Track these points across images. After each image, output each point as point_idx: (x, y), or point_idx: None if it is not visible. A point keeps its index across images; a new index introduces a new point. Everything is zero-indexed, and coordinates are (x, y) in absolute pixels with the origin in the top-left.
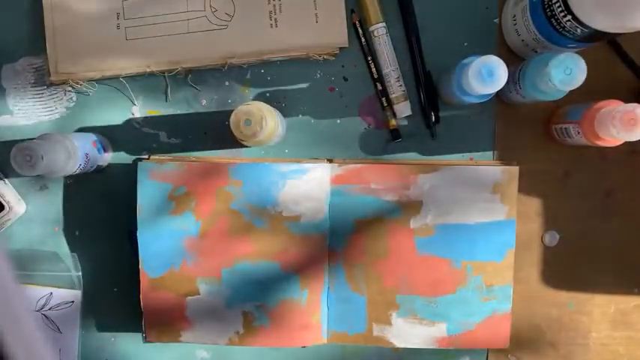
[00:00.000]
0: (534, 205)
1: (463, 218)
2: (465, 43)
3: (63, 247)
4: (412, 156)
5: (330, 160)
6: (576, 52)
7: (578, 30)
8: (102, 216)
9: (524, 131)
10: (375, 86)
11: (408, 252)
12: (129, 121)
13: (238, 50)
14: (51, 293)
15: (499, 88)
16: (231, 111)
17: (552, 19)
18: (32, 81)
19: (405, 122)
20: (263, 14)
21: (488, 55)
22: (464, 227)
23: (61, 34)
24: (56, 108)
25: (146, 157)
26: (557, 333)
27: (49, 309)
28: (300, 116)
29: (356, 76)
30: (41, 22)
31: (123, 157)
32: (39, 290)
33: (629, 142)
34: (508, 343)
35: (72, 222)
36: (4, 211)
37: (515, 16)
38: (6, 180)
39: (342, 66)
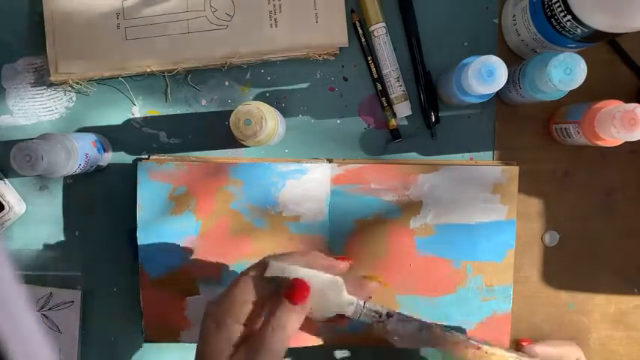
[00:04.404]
0: (534, 205)
1: (463, 218)
2: (465, 43)
3: (63, 247)
4: (412, 156)
5: (330, 160)
6: (576, 52)
7: (578, 30)
8: (102, 216)
9: (524, 131)
10: (375, 86)
11: (408, 252)
12: (129, 121)
13: (238, 50)
14: (51, 293)
15: (499, 88)
16: (231, 111)
17: (552, 19)
18: (32, 81)
19: (405, 122)
20: (263, 14)
21: (489, 55)
22: (464, 227)
23: (61, 34)
24: (56, 108)
25: (146, 157)
26: (557, 333)
27: (49, 309)
28: (300, 116)
29: (356, 76)
30: (41, 22)
31: (123, 157)
32: (39, 290)
33: (629, 142)
34: (508, 344)
35: (72, 222)
36: (4, 211)
37: (515, 16)
38: (6, 180)
39: (342, 66)
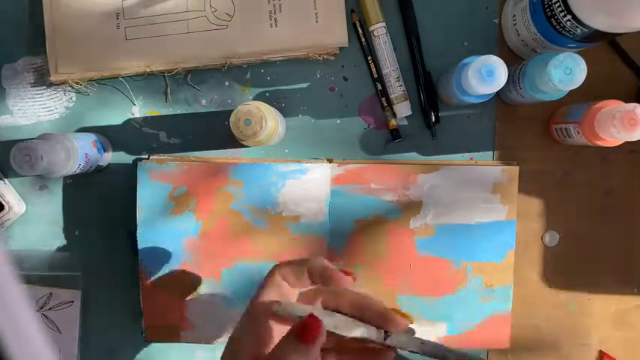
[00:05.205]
0: (534, 205)
1: (463, 218)
2: (465, 43)
3: (63, 247)
4: (412, 156)
5: (330, 160)
6: (576, 52)
7: (578, 30)
8: (102, 216)
9: (524, 131)
10: (375, 86)
11: (407, 252)
12: (129, 121)
13: (238, 50)
14: (51, 293)
15: (499, 88)
16: (231, 111)
17: (552, 19)
18: (32, 81)
19: (405, 122)
20: (263, 14)
21: (488, 55)
22: (464, 227)
23: (61, 34)
24: (56, 108)
25: (146, 157)
26: (557, 333)
27: (49, 309)
28: (300, 116)
29: (356, 76)
30: (41, 22)
31: (123, 157)
32: (39, 290)
33: (629, 142)
34: (508, 344)
35: (72, 222)
36: (4, 211)
37: (515, 16)
38: (6, 180)
39: (342, 66)
